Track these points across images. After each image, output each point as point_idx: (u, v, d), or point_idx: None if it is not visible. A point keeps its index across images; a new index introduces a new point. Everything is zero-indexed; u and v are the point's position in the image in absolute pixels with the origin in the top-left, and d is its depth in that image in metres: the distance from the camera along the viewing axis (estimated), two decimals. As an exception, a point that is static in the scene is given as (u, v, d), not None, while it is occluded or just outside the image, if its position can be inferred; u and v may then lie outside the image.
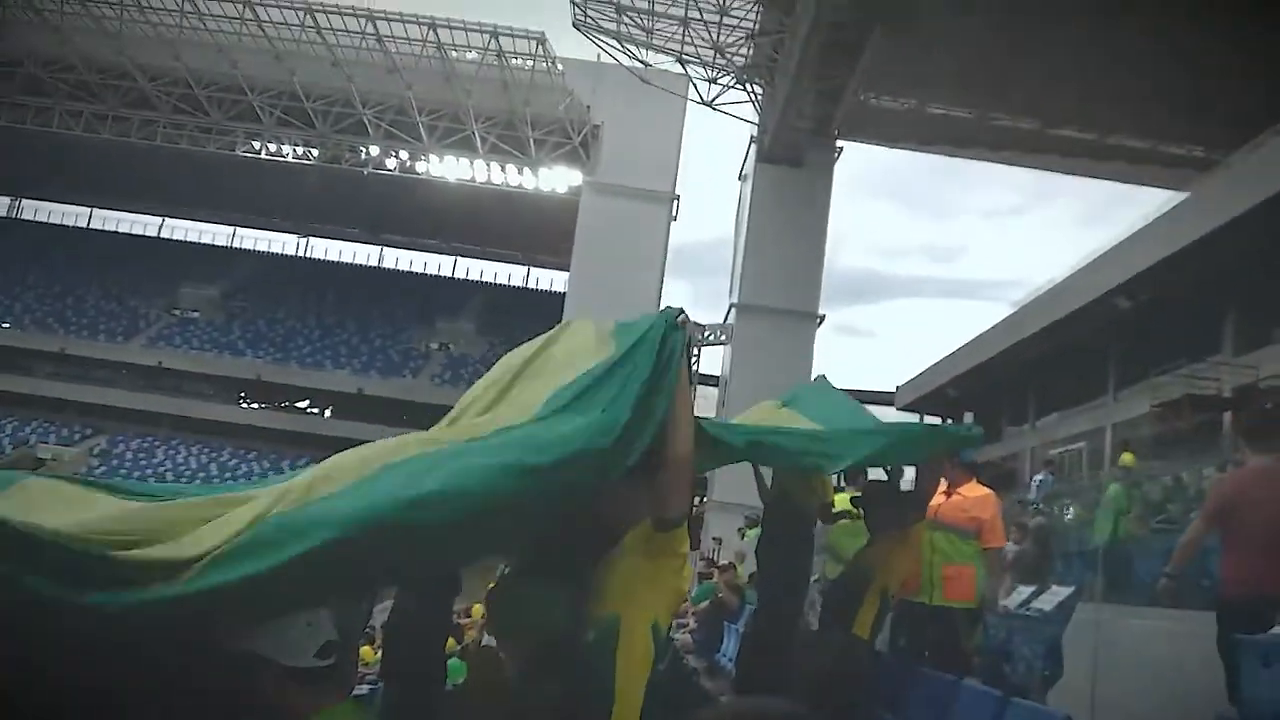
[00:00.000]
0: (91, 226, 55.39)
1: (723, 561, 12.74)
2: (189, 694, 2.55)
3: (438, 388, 44.64)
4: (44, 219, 55.58)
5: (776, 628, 5.58)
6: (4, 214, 55.17)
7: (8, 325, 46.81)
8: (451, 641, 6.96)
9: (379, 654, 7.10)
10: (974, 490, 6.07)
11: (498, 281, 55.76)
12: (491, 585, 3.64)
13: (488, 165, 41.48)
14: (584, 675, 3.10)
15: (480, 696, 4.40)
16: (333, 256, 56.11)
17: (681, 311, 3.17)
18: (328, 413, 47.61)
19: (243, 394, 47.32)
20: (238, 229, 55.83)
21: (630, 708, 2.95)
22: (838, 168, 35.75)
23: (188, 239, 56.00)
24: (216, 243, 55.77)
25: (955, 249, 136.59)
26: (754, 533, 9.85)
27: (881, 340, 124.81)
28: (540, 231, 47.50)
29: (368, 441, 2.94)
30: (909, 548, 5.24)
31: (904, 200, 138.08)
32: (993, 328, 31.55)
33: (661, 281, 40.13)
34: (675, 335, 3.09)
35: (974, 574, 5.90)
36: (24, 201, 55.59)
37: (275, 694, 2.47)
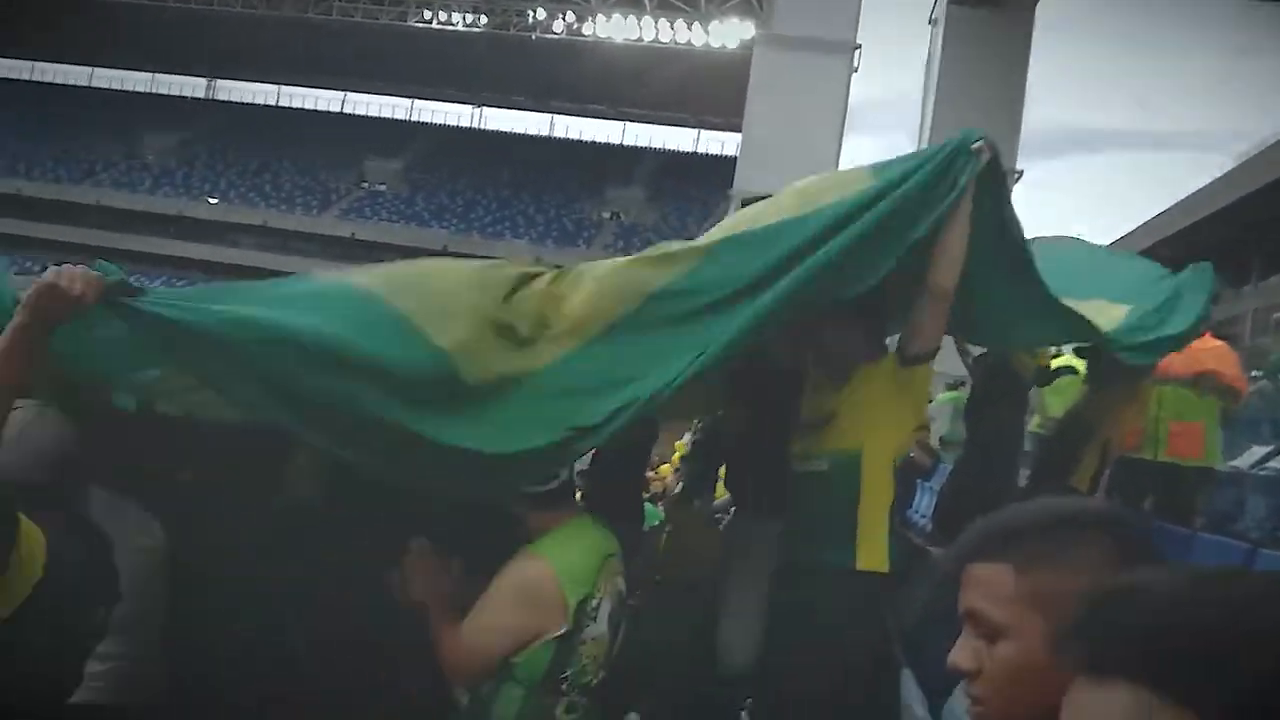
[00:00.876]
0: (280, 104, 57.90)
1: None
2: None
3: (610, 257, 44.94)
4: (238, 99, 58.42)
5: (984, 481, 5.39)
6: (202, 95, 58.32)
7: (215, 200, 50.04)
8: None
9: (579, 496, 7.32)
10: (1208, 342, 5.61)
11: (667, 147, 55.13)
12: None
13: (655, 23, 40.44)
14: (804, 510, 3.13)
15: (689, 539, 4.49)
16: (505, 128, 56.78)
17: (983, 137, 2.79)
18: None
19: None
20: (415, 101, 57.18)
21: (874, 542, 2.93)
22: (1039, 7, 32.86)
23: (369, 114, 57.77)
24: (396, 116, 57.34)
25: (1167, 97, 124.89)
26: (949, 395, 9.59)
27: (1083, 198, 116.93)
28: (710, 92, 46.29)
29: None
30: (1136, 402, 4.91)
31: (1112, 43, 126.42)
32: (1212, 182, 28.87)
33: (840, 141, 38.37)
34: (963, 160, 2.74)
35: (1203, 430, 5.52)
36: (219, 82, 58.49)
37: (516, 515, 2.76)
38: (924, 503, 9.10)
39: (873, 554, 2.94)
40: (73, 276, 2.00)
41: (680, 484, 5.94)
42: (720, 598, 3.62)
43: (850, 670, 2.89)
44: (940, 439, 10.11)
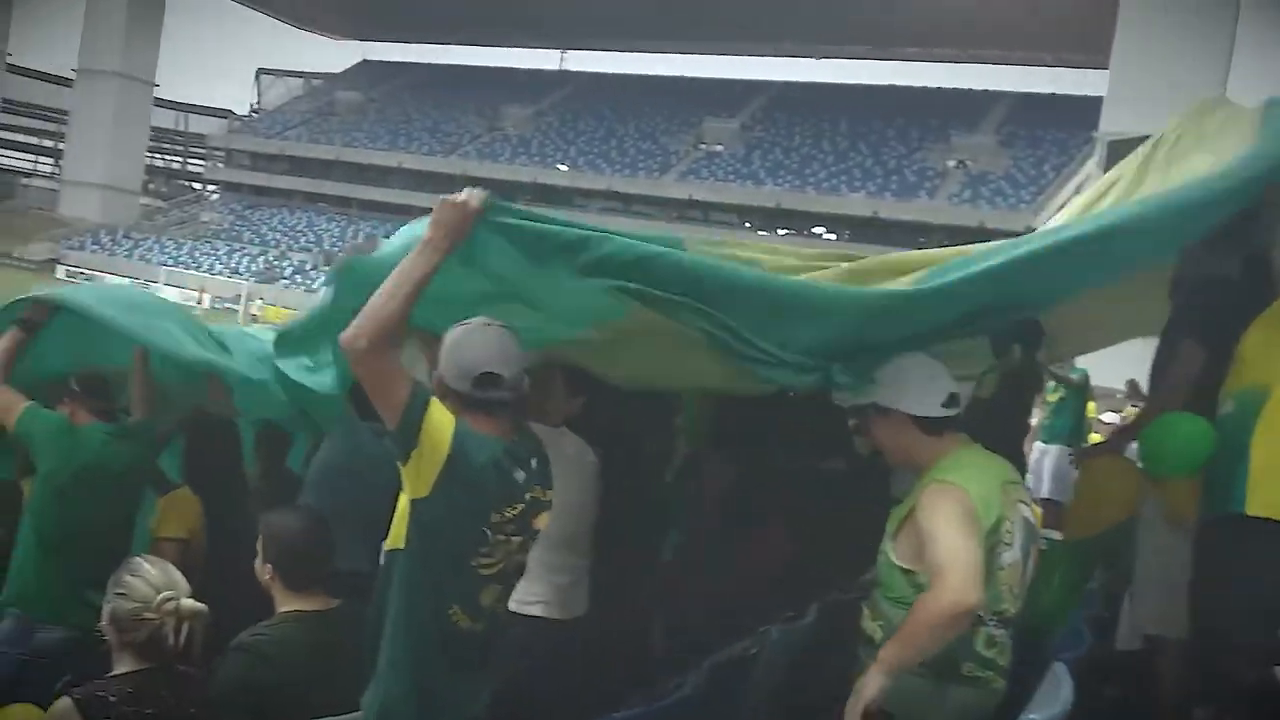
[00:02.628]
0: (624, 72, 60.15)
1: None
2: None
3: (955, 207, 42.60)
4: (587, 69, 61.36)
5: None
6: (554, 67, 61.91)
7: (565, 167, 53.01)
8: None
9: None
10: None
11: (1019, 90, 51.12)
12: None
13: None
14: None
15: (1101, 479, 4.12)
16: (843, 79, 55.34)
17: None
18: (844, 238, 47.92)
19: (762, 224, 49.20)
20: (751, 60, 57.18)
21: (1271, 486, 2.76)
22: None
23: (707, 75, 58.51)
24: (733, 76, 57.64)
25: None
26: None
27: None
28: (1072, 25, 42.17)
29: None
30: None
31: None
32: None
33: (1226, 77, 33.38)
34: None
35: None
36: (569, 54, 61.79)
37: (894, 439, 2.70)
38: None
39: (1269, 498, 2.77)
40: (466, 194, 2.33)
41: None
42: (1139, 543, 3.49)
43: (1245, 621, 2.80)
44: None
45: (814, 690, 2.90)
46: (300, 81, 71.66)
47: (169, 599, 2.31)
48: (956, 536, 2.39)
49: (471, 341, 2.28)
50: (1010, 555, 2.55)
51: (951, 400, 2.65)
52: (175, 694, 2.31)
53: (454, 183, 53.64)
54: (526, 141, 56.56)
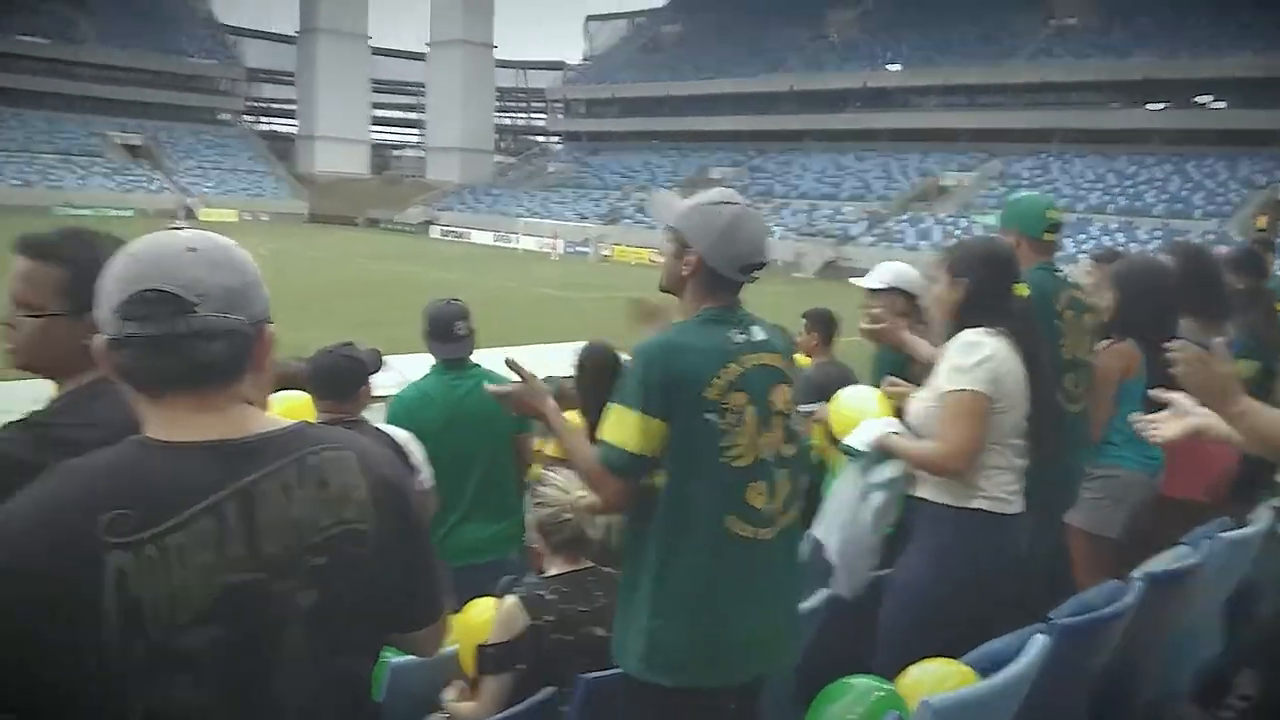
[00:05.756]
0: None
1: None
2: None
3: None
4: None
5: None
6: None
7: (898, 66, 50.15)
8: None
9: None
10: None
11: None
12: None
13: None
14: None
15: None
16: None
17: None
18: (1225, 104, 41.33)
19: (1135, 95, 43.60)
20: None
21: None
22: None
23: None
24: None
25: None
26: None
27: None
28: None
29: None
30: None
31: None
32: None
33: None
34: None
35: None
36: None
37: None
38: None
39: None
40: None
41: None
42: None
43: None
44: None
45: None
46: (625, 22, 73.43)
47: (581, 495, 2.49)
48: None
49: (745, 230, 2.15)
50: None
51: None
52: (607, 594, 2.41)
53: (781, 100, 52.77)
54: (853, 45, 54.18)
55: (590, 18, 76.20)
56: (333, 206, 58.53)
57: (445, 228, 53.40)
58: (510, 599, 2.43)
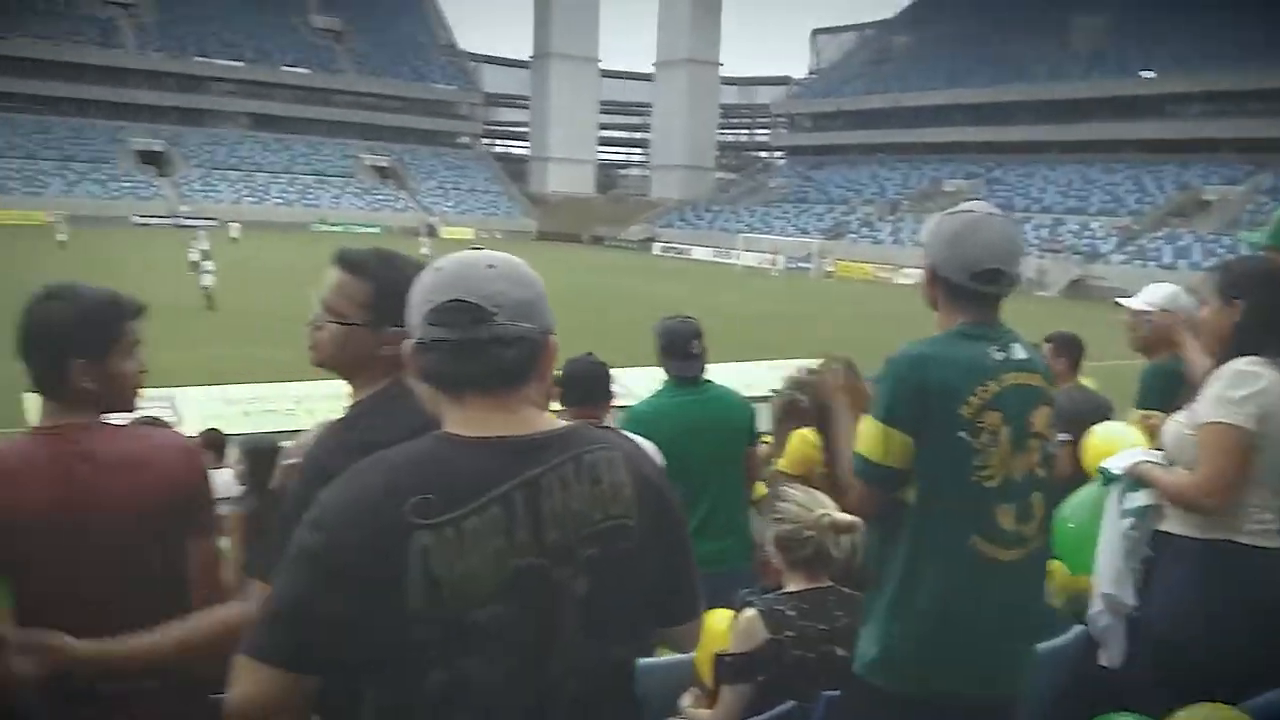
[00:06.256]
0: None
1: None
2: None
3: None
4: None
5: None
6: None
7: (1151, 74, 46.64)
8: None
9: None
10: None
11: None
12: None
13: None
14: None
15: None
16: None
17: None
18: None
19: None
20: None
21: None
22: None
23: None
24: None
25: None
26: None
27: None
28: None
29: None
30: None
31: None
32: None
33: None
34: None
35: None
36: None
37: None
38: None
39: None
40: None
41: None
42: None
43: None
44: None
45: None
46: (854, 35, 72.38)
47: (824, 515, 2.46)
48: None
49: (977, 236, 2.06)
50: None
51: None
52: (847, 613, 2.39)
53: (1018, 110, 50.30)
54: (1100, 53, 50.94)
55: (817, 31, 75.66)
56: (560, 224, 60.97)
57: (666, 244, 54.33)
58: (750, 611, 2.42)
